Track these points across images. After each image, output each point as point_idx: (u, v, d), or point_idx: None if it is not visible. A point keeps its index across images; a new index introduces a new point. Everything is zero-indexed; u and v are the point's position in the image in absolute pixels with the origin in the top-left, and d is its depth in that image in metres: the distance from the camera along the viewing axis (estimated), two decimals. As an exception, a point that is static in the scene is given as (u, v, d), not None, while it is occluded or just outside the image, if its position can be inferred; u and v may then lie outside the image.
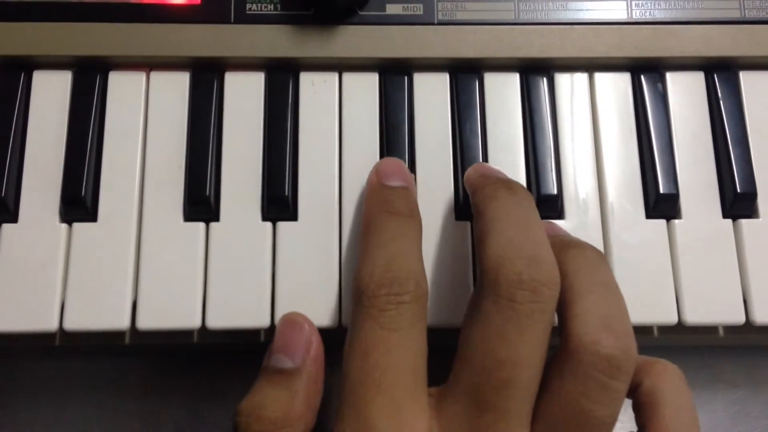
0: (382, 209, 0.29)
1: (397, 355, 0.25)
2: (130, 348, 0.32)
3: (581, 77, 0.35)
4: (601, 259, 0.27)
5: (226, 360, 0.34)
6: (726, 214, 0.33)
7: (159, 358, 0.35)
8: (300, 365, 0.27)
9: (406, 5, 0.34)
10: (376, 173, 0.30)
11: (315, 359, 0.28)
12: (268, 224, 0.32)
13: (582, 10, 0.34)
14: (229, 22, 0.33)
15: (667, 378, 0.27)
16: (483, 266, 0.26)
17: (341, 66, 0.34)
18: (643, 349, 0.29)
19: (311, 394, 0.27)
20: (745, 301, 0.32)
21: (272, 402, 0.26)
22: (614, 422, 0.25)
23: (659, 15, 0.34)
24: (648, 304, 0.31)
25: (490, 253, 0.26)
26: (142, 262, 0.31)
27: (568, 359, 0.24)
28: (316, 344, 0.28)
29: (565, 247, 0.27)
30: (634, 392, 0.27)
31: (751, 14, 0.35)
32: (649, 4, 0.35)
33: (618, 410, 0.25)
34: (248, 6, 0.33)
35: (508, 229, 0.26)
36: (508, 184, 0.29)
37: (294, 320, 0.29)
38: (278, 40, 0.33)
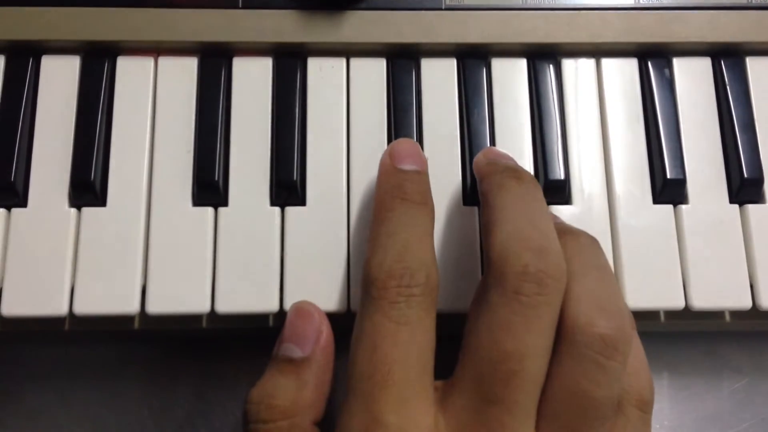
0: (394, 195, 0.28)
1: (405, 349, 0.25)
2: (138, 333, 0.33)
3: (588, 63, 0.35)
4: (594, 244, 0.28)
5: (232, 344, 0.34)
6: (733, 200, 0.33)
7: (166, 343, 0.35)
8: (309, 355, 0.27)
9: (413, -10, 0.34)
10: (390, 155, 0.30)
11: (324, 349, 0.28)
12: (277, 209, 0.32)
13: (589, -5, 0.34)
14: (237, 8, 0.33)
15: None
16: (489, 257, 0.26)
17: (349, 51, 0.34)
18: (649, 335, 0.29)
19: (321, 384, 0.27)
20: (751, 287, 0.32)
21: (282, 391, 0.26)
22: (614, 403, 0.25)
23: (666, 0, 0.34)
24: (655, 289, 0.32)
25: (496, 244, 0.25)
26: (151, 247, 0.31)
27: (564, 342, 0.25)
28: (325, 334, 0.28)
29: (560, 233, 0.27)
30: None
31: (757, 0, 0.35)
32: (656, -10, 0.35)
33: (617, 391, 0.25)
34: (256, -9, 0.34)
35: (516, 219, 0.26)
36: (517, 173, 0.29)
37: (304, 309, 0.29)
38: (286, 26, 0.33)
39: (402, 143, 0.30)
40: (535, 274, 0.24)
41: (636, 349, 0.27)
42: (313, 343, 0.27)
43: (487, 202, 0.28)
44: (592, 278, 0.26)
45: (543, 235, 0.26)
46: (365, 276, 0.26)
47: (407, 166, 0.29)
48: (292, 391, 0.26)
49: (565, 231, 0.28)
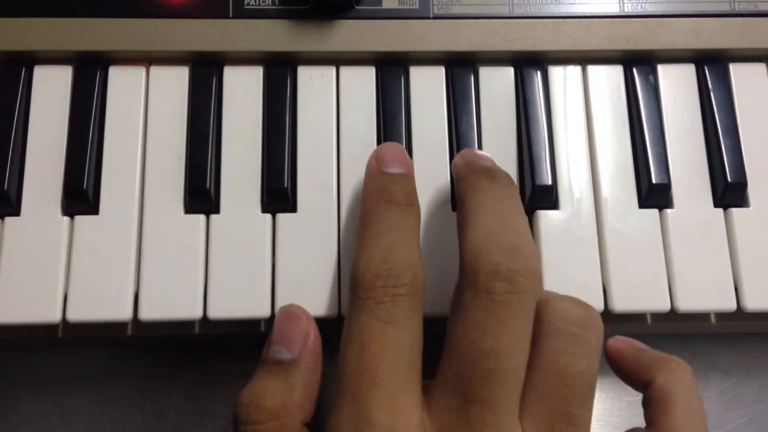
0: (380, 197, 0.28)
1: (393, 348, 0.25)
2: (131, 339, 0.33)
3: (574, 70, 0.35)
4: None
5: (224, 350, 0.35)
6: (717, 204, 0.33)
7: (158, 349, 0.35)
8: (297, 357, 0.27)
9: None
10: (376, 159, 0.30)
11: (312, 350, 0.28)
12: (268, 216, 0.32)
13: (575, 3, 0.35)
14: (227, 17, 0.34)
15: (680, 377, 0.27)
16: (462, 258, 0.26)
17: (338, 60, 0.34)
18: (637, 338, 0.30)
19: (309, 385, 0.27)
20: (736, 289, 0.32)
21: (271, 393, 0.27)
22: (594, 380, 0.25)
23: (650, 8, 0.35)
24: (641, 292, 0.32)
25: (468, 245, 0.26)
26: (144, 254, 0.31)
27: (538, 322, 0.25)
28: (313, 336, 0.28)
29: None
30: (646, 388, 0.27)
31: (740, 7, 0.35)
32: (640, -2, 0.35)
33: (596, 366, 0.25)
34: (246, 1, 0.34)
35: (487, 220, 0.26)
36: (491, 173, 0.29)
37: (291, 312, 0.29)
38: (276, 35, 0.34)
39: (387, 147, 0.31)
40: (506, 273, 0.25)
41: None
42: (301, 345, 0.28)
43: (462, 203, 0.28)
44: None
45: (515, 233, 0.26)
46: (352, 278, 0.27)
47: (393, 169, 0.29)
48: (281, 393, 0.27)
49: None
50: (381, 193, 0.29)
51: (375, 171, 0.30)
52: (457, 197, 0.29)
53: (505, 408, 0.24)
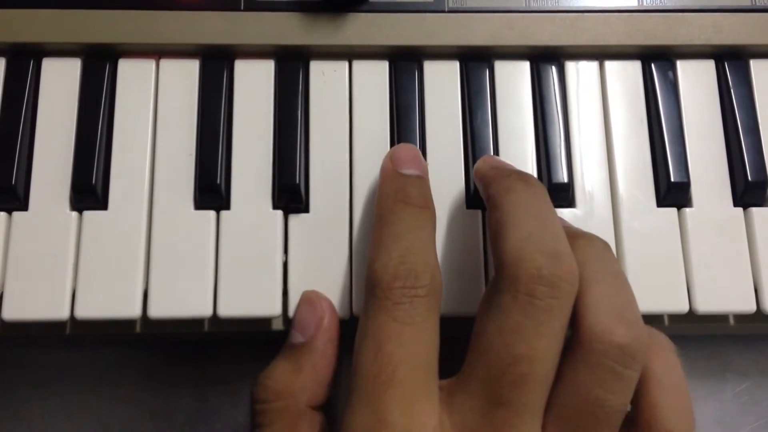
0: (396, 198, 0.28)
1: (410, 349, 0.25)
2: (139, 337, 0.32)
3: (591, 65, 0.35)
4: (608, 249, 0.27)
5: (234, 349, 0.34)
6: (737, 203, 0.33)
7: (167, 348, 0.35)
8: (308, 340, 0.28)
9: (416, -8, 0.34)
10: (391, 160, 0.30)
11: (325, 333, 0.29)
12: (279, 212, 0.32)
13: (592, -3, 0.34)
14: (239, 10, 0.33)
15: (660, 353, 0.26)
16: (501, 260, 0.25)
17: (351, 54, 0.34)
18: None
19: (318, 368, 0.28)
20: (756, 290, 0.32)
21: (278, 373, 0.28)
22: (625, 410, 0.25)
23: (669, 3, 0.34)
24: (659, 292, 0.31)
25: (508, 247, 0.25)
26: (153, 251, 0.31)
27: (580, 349, 0.24)
28: (327, 320, 0.29)
29: (572, 237, 0.27)
30: None
31: (761, 2, 0.34)
32: (659, -8, 0.35)
33: (629, 398, 0.25)
34: (258, -7, 0.33)
35: (526, 222, 0.26)
36: (523, 176, 0.29)
37: (309, 298, 0.30)
38: (288, 28, 0.33)
39: (403, 148, 0.31)
40: (549, 277, 0.24)
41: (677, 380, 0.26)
42: (314, 329, 0.29)
43: (496, 205, 0.27)
44: (608, 284, 0.26)
45: (555, 239, 0.25)
46: (369, 277, 0.26)
47: (409, 171, 0.29)
48: (287, 374, 0.28)
49: (578, 235, 0.27)
50: (397, 194, 0.28)
51: (391, 172, 0.30)
52: (487, 200, 0.29)
53: (531, 413, 0.24)
